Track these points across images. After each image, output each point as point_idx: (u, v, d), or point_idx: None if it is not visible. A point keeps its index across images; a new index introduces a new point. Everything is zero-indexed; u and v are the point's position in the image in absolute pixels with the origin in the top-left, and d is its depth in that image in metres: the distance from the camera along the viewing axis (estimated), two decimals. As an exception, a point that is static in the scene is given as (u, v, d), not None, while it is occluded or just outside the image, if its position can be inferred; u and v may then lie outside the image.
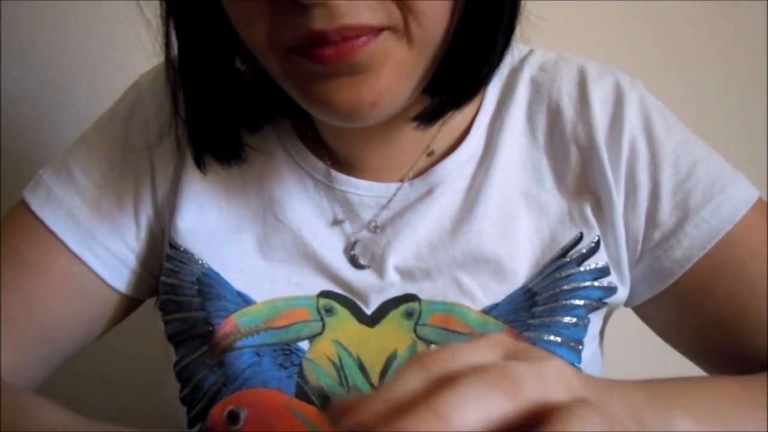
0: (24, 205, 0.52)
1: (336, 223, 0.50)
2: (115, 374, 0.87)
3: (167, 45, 0.47)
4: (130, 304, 0.55)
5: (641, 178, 0.49)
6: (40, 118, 0.85)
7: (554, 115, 0.50)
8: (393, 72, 0.39)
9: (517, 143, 0.51)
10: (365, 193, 0.50)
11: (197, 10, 0.44)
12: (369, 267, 0.49)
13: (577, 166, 0.50)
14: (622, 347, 0.72)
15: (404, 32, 0.38)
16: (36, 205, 0.52)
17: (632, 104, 0.49)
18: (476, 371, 0.26)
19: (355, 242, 0.50)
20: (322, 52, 0.37)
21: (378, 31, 0.37)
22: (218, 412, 0.46)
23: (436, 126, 0.49)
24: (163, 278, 0.51)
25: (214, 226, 0.51)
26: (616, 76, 0.51)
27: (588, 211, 0.49)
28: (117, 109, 0.54)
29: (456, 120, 0.50)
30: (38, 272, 0.51)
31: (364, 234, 0.50)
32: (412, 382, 0.27)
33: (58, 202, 0.51)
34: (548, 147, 0.51)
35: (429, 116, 0.43)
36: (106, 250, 0.52)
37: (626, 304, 0.53)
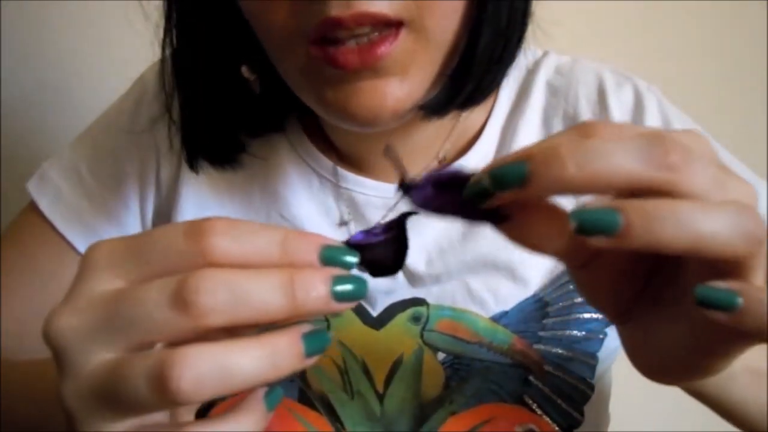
0: (32, 204, 0.52)
1: (342, 224, 0.49)
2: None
3: (171, 45, 0.46)
4: None
5: None
6: (40, 118, 0.85)
7: (572, 120, 0.50)
8: (416, 75, 0.38)
9: None
10: (372, 192, 0.49)
11: (204, 13, 0.43)
12: None
13: None
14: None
15: (421, 27, 0.37)
16: (44, 204, 0.51)
17: (652, 109, 0.49)
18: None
19: None
20: (345, 58, 0.36)
21: (396, 29, 0.36)
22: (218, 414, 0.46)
23: (447, 130, 0.49)
24: None
25: None
26: (634, 82, 0.51)
27: None
28: (123, 104, 0.54)
29: (466, 124, 0.50)
30: (50, 279, 0.51)
31: None
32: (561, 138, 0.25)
33: (67, 205, 0.51)
34: None
35: (436, 107, 0.41)
36: None
37: None
